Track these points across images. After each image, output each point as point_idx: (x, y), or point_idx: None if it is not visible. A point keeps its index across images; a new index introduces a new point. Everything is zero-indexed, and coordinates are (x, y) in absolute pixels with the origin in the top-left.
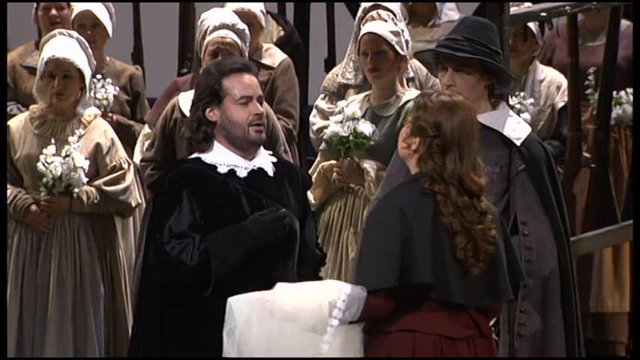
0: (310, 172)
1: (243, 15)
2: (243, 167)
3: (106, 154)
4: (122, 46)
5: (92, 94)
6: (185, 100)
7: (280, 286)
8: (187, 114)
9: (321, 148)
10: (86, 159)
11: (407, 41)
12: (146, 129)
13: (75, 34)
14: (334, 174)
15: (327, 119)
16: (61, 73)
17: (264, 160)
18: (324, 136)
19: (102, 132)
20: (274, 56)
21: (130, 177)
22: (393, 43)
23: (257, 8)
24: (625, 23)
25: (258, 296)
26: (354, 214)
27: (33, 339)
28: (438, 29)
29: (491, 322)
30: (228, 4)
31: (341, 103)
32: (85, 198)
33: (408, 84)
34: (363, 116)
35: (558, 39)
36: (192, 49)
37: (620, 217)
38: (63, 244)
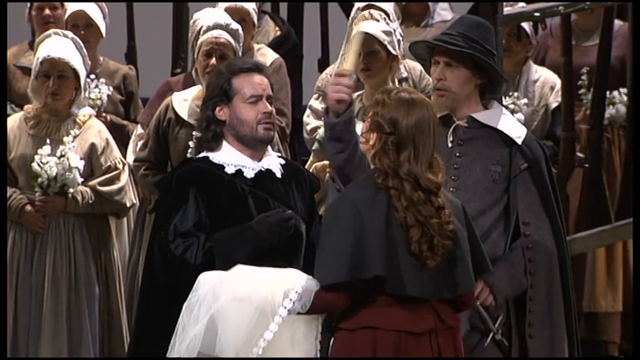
0: None
1: (236, 11)
2: (250, 168)
3: (100, 154)
4: (115, 46)
5: (86, 94)
6: (179, 100)
7: (239, 269)
8: (181, 114)
9: (313, 148)
10: (81, 159)
11: (399, 41)
12: (139, 129)
13: (70, 34)
14: (327, 174)
15: (321, 119)
16: (57, 73)
17: (273, 161)
18: (317, 136)
19: (97, 132)
20: (266, 56)
21: (125, 177)
22: (385, 42)
23: (250, 6)
24: (618, 23)
25: (217, 275)
26: None
27: (28, 339)
28: (431, 29)
29: (497, 324)
30: (221, 4)
31: None
32: (79, 198)
33: (401, 84)
34: (356, 116)
35: (552, 39)
36: (186, 49)
37: (613, 217)
38: (58, 245)
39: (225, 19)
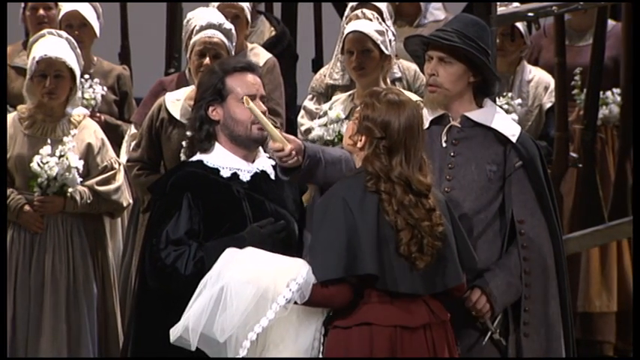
0: None
1: (230, 8)
2: (246, 171)
3: (97, 154)
4: (109, 46)
5: (80, 94)
6: (171, 100)
7: (251, 251)
8: (174, 114)
9: None
10: (80, 159)
11: (391, 40)
12: (132, 129)
13: (64, 34)
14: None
15: (315, 119)
16: (53, 72)
17: (265, 162)
18: (309, 136)
19: (92, 132)
20: (259, 56)
21: (121, 177)
22: (379, 42)
23: (244, 4)
24: (612, 23)
25: (232, 254)
26: None
27: (27, 339)
28: (424, 29)
29: (495, 323)
30: (214, 2)
31: (324, 107)
32: (78, 198)
33: (395, 84)
34: (348, 117)
35: (545, 39)
36: (180, 48)
37: (606, 217)
38: (56, 245)
39: (219, 18)
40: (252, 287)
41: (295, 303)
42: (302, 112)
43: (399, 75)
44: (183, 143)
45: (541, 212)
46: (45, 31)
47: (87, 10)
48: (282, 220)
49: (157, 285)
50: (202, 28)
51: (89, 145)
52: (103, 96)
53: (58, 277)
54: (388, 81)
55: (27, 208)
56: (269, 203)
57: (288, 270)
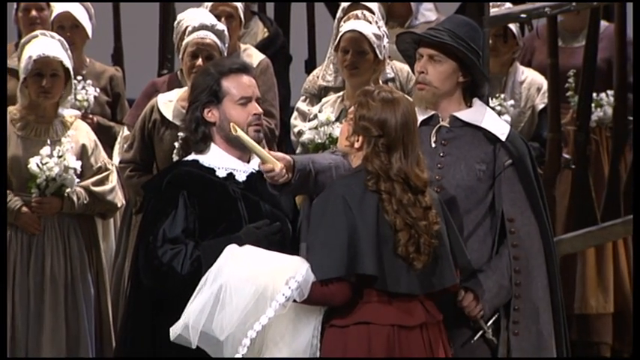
0: None
1: (224, 6)
2: (242, 171)
3: (90, 155)
4: (102, 47)
5: (72, 96)
6: (164, 102)
7: (250, 249)
8: (166, 115)
9: (297, 152)
10: (78, 160)
11: (385, 46)
12: (125, 131)
13: (57, 35)
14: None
15: (308, 121)
16: (50, 71)
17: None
18: (300, 140)
19: (85, 133)
20: (252, 57)
21: (115, 177)
22: (375, 45)
23: (237, 3)
24: (605, 24)
25: (232, 251)
26: None
27: (27, 340)
28: (415, 30)
29: (489, 322)
30: (207, 3)
31: (314, 109)
32: (75, 199)
33: (387, 84)
34: (338, 118)
35: (538, 40)
36: (173, 50)
37: (599, 219)
38: (54, 245)
39: (211, 19)
40: (251, 285)
41: (294, 301)
42: (295, 113)
43: (391, 75)
44: (176, 144)
45: (531, 210)
46: (38, 32)
47: (79, 12)
48: (277, 221)
49: (152, 283)
50: (195, 29)
51: (83, 146)
52: (95, 97)
53: (56, 278)
54: (380, 83)
55: (24, 209)
56: (264, 204)
57: (287, 268)
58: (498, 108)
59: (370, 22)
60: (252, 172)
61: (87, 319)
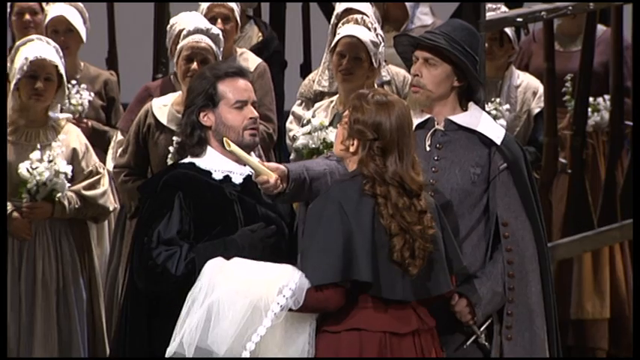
0: None
1: (220, 7)
2: (238, 173)
3: (82, 159)
4: (97, 51)
5: (66, 100)
6: (158, 106)
7: (238, 261)
8: (161, 119)
9: (291, 158)
10: (69, 164)
11: (381, 53)
12: (119, 136)
13: (52, 42)
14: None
15: (302, 124)
16: (44, 74)
17: None
18: (294, 145)
19: (76, 137)
20: (249, 61)
21: (107, 181)
22: (372, 53)
23: (233, 4)
24: (602, 28)
25: (218, 264)
26: None
27: (18, 345)
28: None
29: (484, 326)
30: (203, 4)
31: (307, 115)
32: (66, 203)
33: (383, 88)
34: (331, 123)
35: (535, 44)
36: (167, 54)
37: (596, 224)
38: (45, 250)
39: (206, 23)
40: (244, 298)
41: (290, 310)
42: (290, 117)
43: (388, 78)
44: (171, 149)
45: (525, 215)
46: (34, 36)
47: (73, 16)
48: (273, 224)
49: (146, 284)
50: (190, 33)
51: (74, 150)
52: (90, 101)
53: (48, 283)
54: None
55: (15, 215)
56: (260, 207)
57: (280, 277)
58: (494, 112)
59: (369, 29)
60: (248, 175)
61: (79, 324)
